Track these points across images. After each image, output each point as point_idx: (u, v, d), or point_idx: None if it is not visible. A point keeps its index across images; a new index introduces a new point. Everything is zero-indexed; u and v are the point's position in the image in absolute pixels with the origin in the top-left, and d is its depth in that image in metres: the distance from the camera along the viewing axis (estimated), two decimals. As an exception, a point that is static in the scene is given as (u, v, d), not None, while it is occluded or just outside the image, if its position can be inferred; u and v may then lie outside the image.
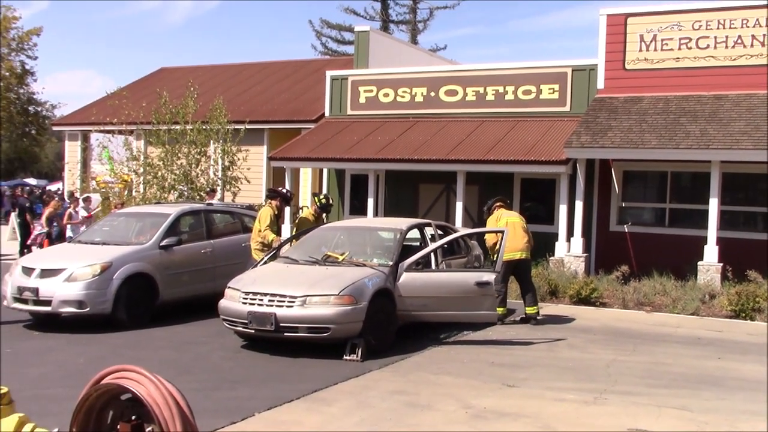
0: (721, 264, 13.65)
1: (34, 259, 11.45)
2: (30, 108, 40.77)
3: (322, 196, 12.15)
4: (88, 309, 10.18)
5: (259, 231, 11.25)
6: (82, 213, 17.68)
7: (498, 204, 11.49)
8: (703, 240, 13.96)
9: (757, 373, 8.25)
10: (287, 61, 27.09)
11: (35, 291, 10.19)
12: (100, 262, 10.38)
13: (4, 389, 3.28)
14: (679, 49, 15.29)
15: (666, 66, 15.40)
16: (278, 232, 11.56)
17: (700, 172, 14.77)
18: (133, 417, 3.06)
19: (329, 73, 19.66)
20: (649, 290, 13.06)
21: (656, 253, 14.90)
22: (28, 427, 3.25)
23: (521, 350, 9.31)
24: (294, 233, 11.77)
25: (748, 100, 14.57)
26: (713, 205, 13.88)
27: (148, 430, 3.02)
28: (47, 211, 18.50)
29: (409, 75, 18.47)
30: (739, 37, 14.81)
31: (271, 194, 11.93)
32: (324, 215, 12.15)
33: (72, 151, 25.70)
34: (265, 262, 10.39)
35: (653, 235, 15.55)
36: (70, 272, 10.26)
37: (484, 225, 11.82)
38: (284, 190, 12.23)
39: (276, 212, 11.45)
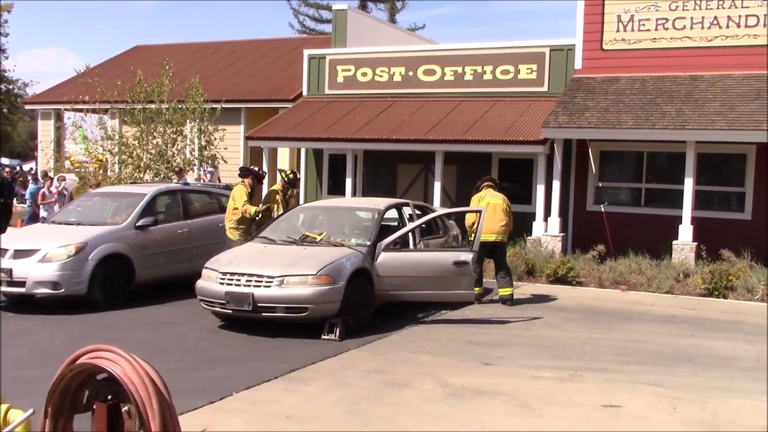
0: (696, 243, 13.81)
1: (8, 239, 11.29)
2: (2, 86, 40.06)
3: (289, 172, 12.24)
4: (62, 290, 10.08)
5: (234, 209, 11.22)
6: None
7: (486, 183, 11.46)
8: (678, 219, 14.11)
9: (729, 350, 8.39)
10: (265, 40, 26.84)
11: (9, 272, 10.05)
12: (75, 243, 10.27)
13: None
14: (656, 29, 15.35)
15: (643, 47, 15.46)
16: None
17: (675, 152, 14.90)
18: (109, 396, 3.03)
19: (307, 52, 19.50)
20: (624, 269, 13.21)
21: (632, 233, 15.05)
22: (2, 408, 3.22)
23: (498, 329, 9.38)
24: (262, 206, 11.75)
25: (723, 80, 14.69)
26: (688, 185, 14.02)
27: (124, 409, 3.00)
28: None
29: (388, 54, 18.38)
30: (715, 18, 14.89)
31: (243, 172, 11.90)
32: (292, 190, 12.18)
33: (45, 130, 25.32)
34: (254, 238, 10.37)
35: (629, 214, 15.69)
36: (44, 253, 10.14)
37: (468, 203, 11.83)
38: (256, 169, 12.19)
39: (249, 190, 11.43)
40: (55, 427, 3.09)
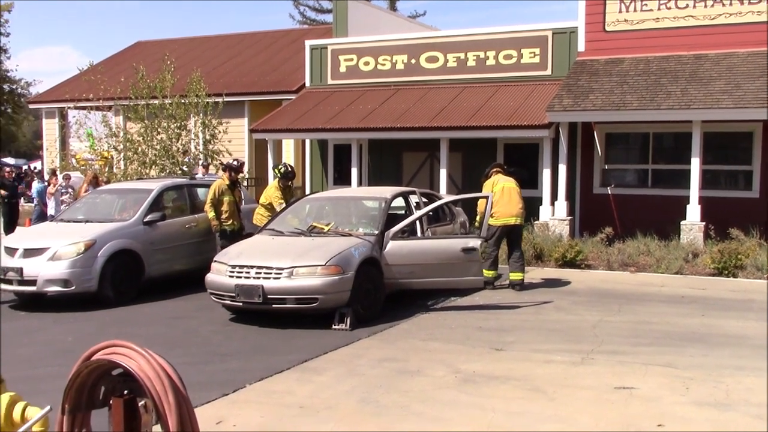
0: (704, 223, 13.78)
1: (17, 238, 11.37)
2: (5, 86, 40.11)
3: (280, 166, 12.23)
4: (73, 287, 10.13)
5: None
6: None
7: (495, 169, 11.46)
8: (686, 200, 14.07)
9: (739, 329, 8.38)
10: (266, 32, 26.77)
11: (19, 271, 10.11)
12: (84, 240, 10.32)
13: (-6, 369, 3.26)
14: (659, 9, 15.25)
15: (646, 27, 15.37)
16: (237, 203, 11.68)
17: (681, 132, 14.83)
18: (126, 392, 3.05)
19: (308, 43, 19.46)
20: (633, 251, 13.17)
21: (640, 214, 15.02)
22: (19, 405, 3.24)
23: (508, 314, 9.39)
24: (258, 209, 11.98)
25: (728, 59, 14.60)
26: (695, 165, 13.97)
27: (141, 403, 3.02)
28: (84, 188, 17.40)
29: (390, 43, 18.32)
30: (718, -5, 14.79)
31: (223, 168, 12.13)
32: (290, 183, 12.17)
33: (50, 128, 25.38)
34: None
35: (636, 196, 15.65)
36: (54, 251, 10.19)
37: (478, 190, 11.81)
38: (232, 160, 12.25)
39: (227, 183, 11.61)
40: (72, 424, 3.11)
